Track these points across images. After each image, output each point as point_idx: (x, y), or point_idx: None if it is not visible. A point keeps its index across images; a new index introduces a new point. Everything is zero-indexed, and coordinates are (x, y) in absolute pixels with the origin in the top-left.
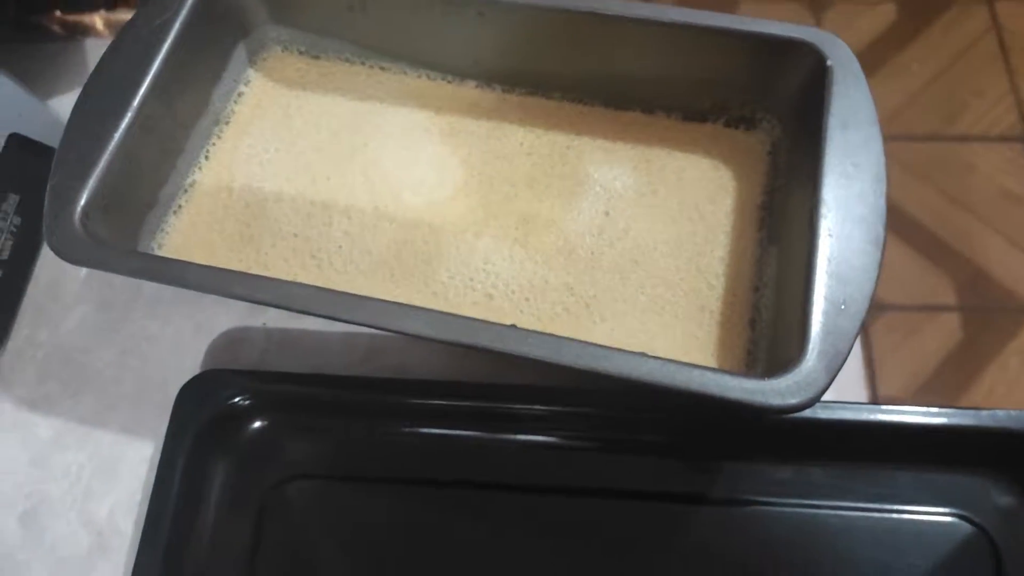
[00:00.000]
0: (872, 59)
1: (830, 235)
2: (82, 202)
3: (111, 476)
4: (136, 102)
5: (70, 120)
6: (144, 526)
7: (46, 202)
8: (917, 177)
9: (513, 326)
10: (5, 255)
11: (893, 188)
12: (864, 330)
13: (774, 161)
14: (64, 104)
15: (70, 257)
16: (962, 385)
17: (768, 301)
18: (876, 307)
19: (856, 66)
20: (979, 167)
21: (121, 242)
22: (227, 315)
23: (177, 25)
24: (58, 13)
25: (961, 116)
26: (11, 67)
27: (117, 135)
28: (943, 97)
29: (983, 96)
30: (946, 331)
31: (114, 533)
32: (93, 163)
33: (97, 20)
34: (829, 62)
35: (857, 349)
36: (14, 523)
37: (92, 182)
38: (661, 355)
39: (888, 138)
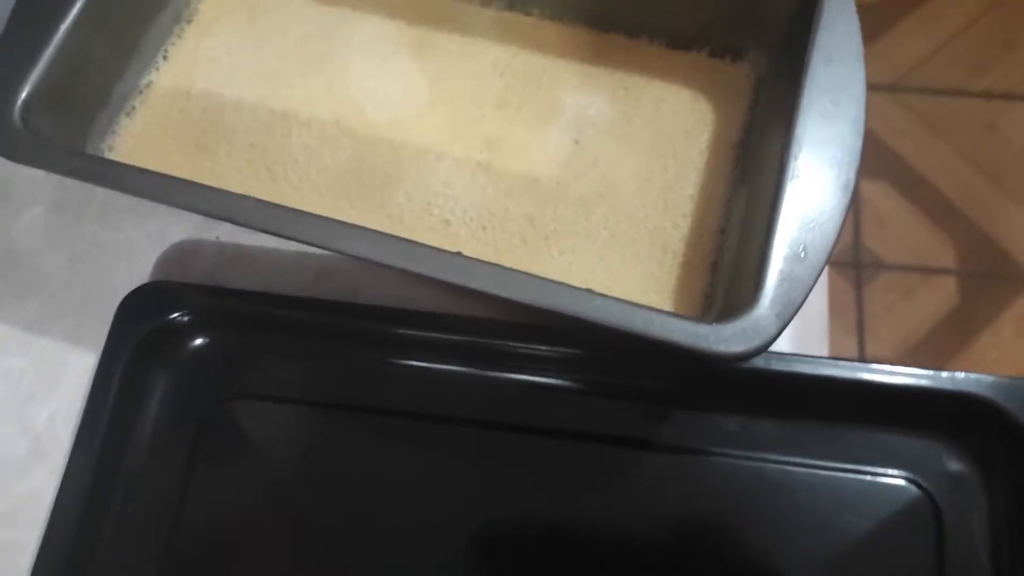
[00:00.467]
0: (903, 2)
1: (799, 177)
2: (23, 96)
3: (52, 383)
4: None
5: (14, 9)
6: (77, 433)
7: None
8: (934, 133)
9: (459, 254)
10: None
11: (907, 143)
12: (858, 289)
13: (756, 97)
14: None
15: (7, 153)
16: (953, 351)
17: (732, 243)
18: (874, 266)
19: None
20: (1000, 127)
21: (67, 141)
22: (180, 226)
23: None
24: None
25: (988, 70)
26: None
27: (63, 27)
28: (972, 49)
29: (1013, 49)
30: (942, 295)
31: (52, 439)
32: (36, 56)
33: None
34: None
35: (823, 301)
36: None
37: (34, 76)
38: (616, 293)
39: (910, 90)
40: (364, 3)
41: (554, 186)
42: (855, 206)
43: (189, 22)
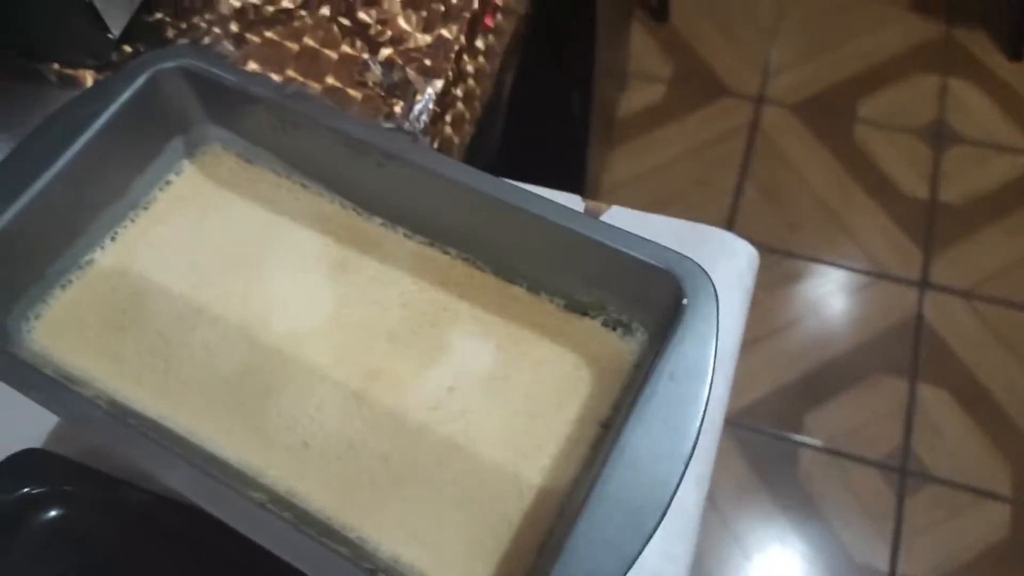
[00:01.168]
0: (992, 208)
1: (605, 499)
2: None
3: None
4: (38, 184)
5: None
6: None
7: None
8: (1005, 347)
9: (262, 506)
10: None
11: (974, 353)
12: (900, 497)
13: (635, 375)
14: None
15: None
16: None
17: (560, 533)
18: (921, 476)
19: (712, 314)
20: None
21: None
22: None
23: (110, 112)
24: (56, 66)
25: None
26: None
27: (7, 216)
28: None
29: None
30: (993, 522)
31: None
32: None
33: (88, 77)
34: (685, 300)
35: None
36: None
37: None
38: (445, 554)
39: (984, 298)
40: (303, 215)
41: (417, 430)
42: (908, 409)
43: (145, 209)
